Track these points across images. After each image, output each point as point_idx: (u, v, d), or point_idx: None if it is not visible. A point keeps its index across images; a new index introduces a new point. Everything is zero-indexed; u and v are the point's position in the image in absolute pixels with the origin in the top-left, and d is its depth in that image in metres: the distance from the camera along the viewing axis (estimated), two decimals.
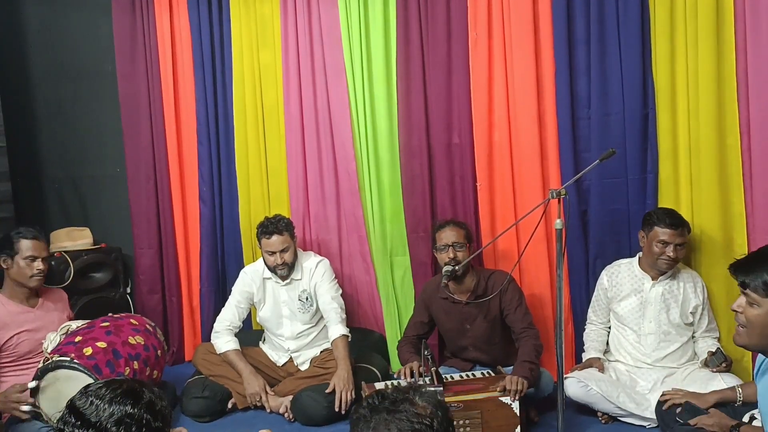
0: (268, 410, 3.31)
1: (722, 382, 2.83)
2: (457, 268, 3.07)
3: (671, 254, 3.02)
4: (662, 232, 3.05)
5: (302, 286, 3.49)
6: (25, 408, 2.75)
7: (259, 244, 3.47)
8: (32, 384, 2.77)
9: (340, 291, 3.56)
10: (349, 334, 3.38)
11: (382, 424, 1.27)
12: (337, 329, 3.36)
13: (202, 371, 3.46)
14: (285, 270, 3.42)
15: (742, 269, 1.81)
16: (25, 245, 3.12)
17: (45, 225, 4.13)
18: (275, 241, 3.36)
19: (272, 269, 3.44)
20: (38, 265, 3.13)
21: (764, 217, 3.07)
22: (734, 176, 3.13)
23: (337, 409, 3.14)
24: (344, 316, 3.45)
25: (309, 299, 3.49)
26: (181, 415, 3.34)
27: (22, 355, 3.11)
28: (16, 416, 2.78)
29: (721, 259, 3.10)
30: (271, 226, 3.38)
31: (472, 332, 3.21)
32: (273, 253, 3.38)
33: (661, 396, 2.81)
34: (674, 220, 3.04)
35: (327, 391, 3.16)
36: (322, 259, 3.57)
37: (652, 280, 3.13)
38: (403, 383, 2.98)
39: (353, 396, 3.17)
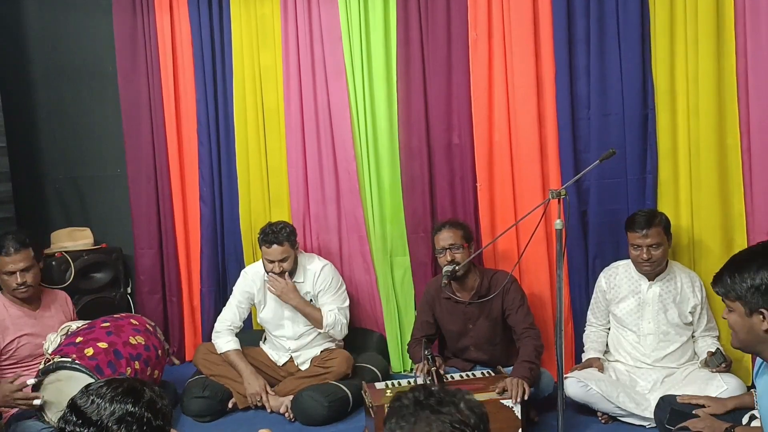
0: (269, 410, 3.31)
1: (722, 382, 2.83)
2: (457, 268, 3.07)
3: (644, 256, 3.02)
4: (632, 237, 3.06)
5: (305, 289, 3.48)
6: (37, 402, 2.74)
7: (260, 248, 3.47)
8: (31, 381, 2.77)
9: (348, 302, 3.55)
10: (326, 330, 3.41)
11: (424, 421, 1.25)
12: (331, 313, 3.40)
13: (203, 371, 3.46)
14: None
15: (714, 279, 1.87)
16: (1, 262, 3.00)
17: (46, 225, 4.15)
18: (274, 250, 3.36)
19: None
20: (17, 278, 3.03)
21: (764, 218, 3.08)
22: (734, 176, 3.14)
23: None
24: (340, 323, 3.44)
25: (312, 301, 3.48)
26: (182, 414, 3.34)
27: (22, 358, 3.09)
28: (26, 409, 2.78)
29: (721, 260, 3.06)
30: (271, 234, 3.36)
31: (474, 332, 3.21)
32: (272, 261, 3.39)
33: (680, 397, 2.77)
34: (641, 223, 3.01)
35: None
36: (326, 264, 3.56)
37: (649, 281, 3.13)
38: (419, 380, 2.96)
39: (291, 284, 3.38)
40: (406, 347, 3.44)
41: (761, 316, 1.74)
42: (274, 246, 3.35)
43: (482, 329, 3.19)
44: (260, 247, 3.45)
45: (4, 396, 2.78)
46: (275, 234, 3.36)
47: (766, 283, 1.72)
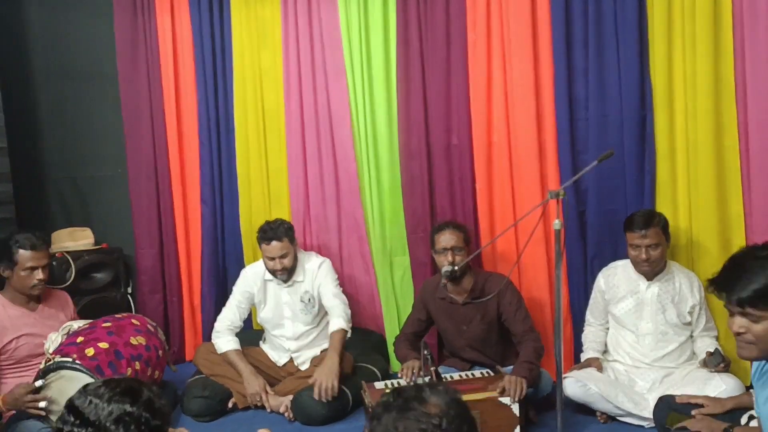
0: (269, 410, 3.32)
1: (721, 382, 2.84)
2: (456, 269, 3.08)
3: (643, 256, 3.02)
4: (630, 237, 3.06)
5: (304, 288, 3.50)
6: (42, 404, 2.75)
7: (260, 247, 3.48)
8: (39, 383, 2.77)
9: (341, 289, 3.57)
10: (348, 330, 3.38)
11: (390, 424, 1.26)
12: (337, 323, 3.36)
13: (203, 371, 3.47)
14: (285, 275, 3.44)
15: (729, 287, 1.70)
16: (24, 256, 3.04)
17: (46, 225, 4.16)
18: (274, 247, 3.37)
19: (272, 273, 3.46)
20: (38, 275, 3.07)
21: (762, 218, 3.08)
22: (732, 177, 3.14)
23: (316, 397, 3.12)
24: (348, 311, 3.44)
25: (311, 300, 3.50)
26: (182, 414, 3.35)
27: (21, 358, 3.10)
28: (33, 414, 2.78)
29: (719, 260, 3.07)
30: (270, 231, 3.38)
31: (468, 333, 3.22)
32: (272, 258, 3.40)
33: (678, 397, 2.75)
34: (639, 223, 3.02)
35: (309, 381, 3.16)
36: (324, 260, 3.57)
37: (648, 281, 3.13)
38: (403, 382, 2.99)
39: (335, 387, 3.14)
40: (393, 342, 3.43)
41: None
42: (274, 242, 3.36)
43: (476, 331, 3.20)
44: (260, 246, 3.46)
45: (15, 400, 2.78)
46: (274, 230, 3.37)
47: None
